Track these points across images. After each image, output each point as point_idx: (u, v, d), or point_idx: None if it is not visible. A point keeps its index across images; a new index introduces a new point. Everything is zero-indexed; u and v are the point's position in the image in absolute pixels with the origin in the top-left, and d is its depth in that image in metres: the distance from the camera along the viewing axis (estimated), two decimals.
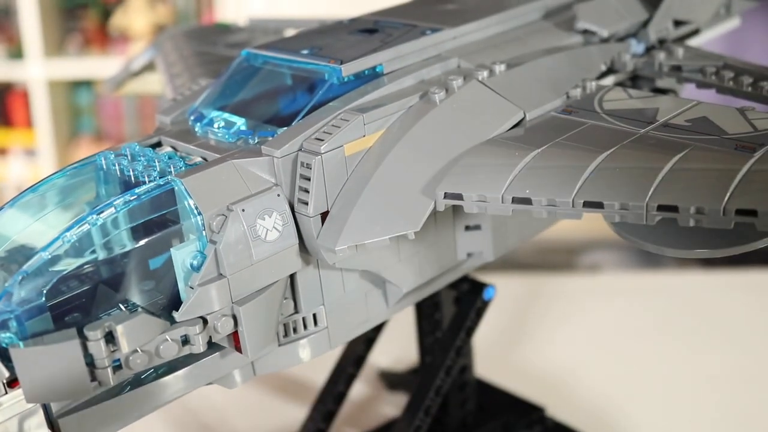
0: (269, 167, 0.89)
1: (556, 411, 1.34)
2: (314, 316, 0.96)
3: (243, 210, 0.86)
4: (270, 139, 0.90)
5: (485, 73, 0.98)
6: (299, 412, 1.34)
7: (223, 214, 0.85)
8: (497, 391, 1.36)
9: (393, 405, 1.45)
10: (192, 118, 0.99)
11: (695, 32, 1.18)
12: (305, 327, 0.96)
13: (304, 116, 0.92)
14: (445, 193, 0.87)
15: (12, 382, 0.79)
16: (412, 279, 1.01)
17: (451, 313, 1.19)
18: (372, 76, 0.97)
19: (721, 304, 1.72)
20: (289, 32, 1.29)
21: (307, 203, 0.88)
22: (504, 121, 0.95)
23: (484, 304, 1.16)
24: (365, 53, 0.97)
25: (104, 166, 0.92)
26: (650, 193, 0.80)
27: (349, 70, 0.95)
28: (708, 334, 1.61)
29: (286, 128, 0.91)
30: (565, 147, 0.89)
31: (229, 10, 3.96)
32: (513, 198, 0.85)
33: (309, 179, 0.88)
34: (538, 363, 1.54)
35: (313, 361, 1.32)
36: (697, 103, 0.95)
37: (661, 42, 1.13)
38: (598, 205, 0.82)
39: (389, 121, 0.93)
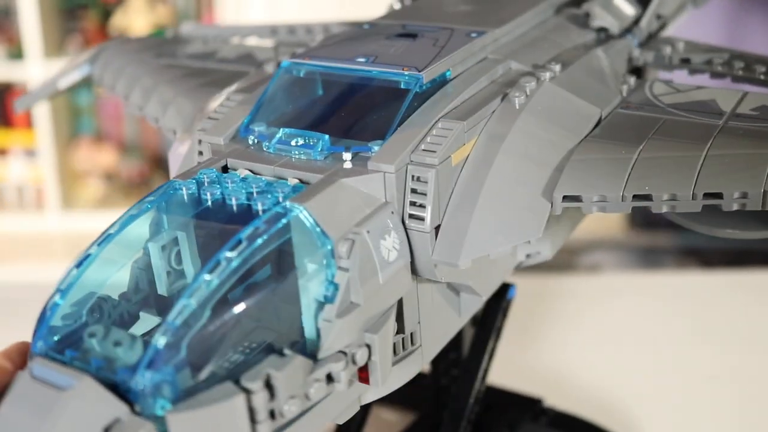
0: (380, 184, 0.85)
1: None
2: (411, 335, 0.92)
3: (368, 231, 0.81)
4: (367, 154, 0.86)
5: (548, 74, 0.98)
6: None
7: (350, 239, 0.80)
8: (499, 390, 1.37)
9: (392, 413, 1.44)
10: (252, 137, 0.93)
11: (664, 25, 1.24)
12: (404, 347, 0.91)
13: (396, 128, 0.89)
14: (564, 196, 0.87)
15: None
16: (490, 285, 1.00)
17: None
18: (442, 83, 0.95)
19: (721, 304, 1.71)
20: (242, 40, 1.29)
21: (422, 219, 0.85)
22: (589, 121, 0.96)
23: (508, 304, 1.17)
24: (434, 59, 0.95)
25: (185, 197, 0.84)
26: (766, 179, 0.82)
27: (429, 76, 0.93)
28: (707, 333, 1.61)
29: (381, 142, 0.87)
30: (664, 142, 0.91)
31: (229, 11, 3.96)
32: (633, 196, 0.85)
33: (424, 194, 0.85)
34: (537, 362, 1.54)
35: None
36: (745, 93, 0.99)
37: (651, 36, 1.18)
38: (717, 196, 0.83)
39: (480, 126, 0.91)
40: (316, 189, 0.81)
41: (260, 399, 0.71)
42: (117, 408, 0.67)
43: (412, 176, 0.85)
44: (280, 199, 0.81)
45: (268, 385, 0.72)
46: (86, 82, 1.44)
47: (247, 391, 0.71)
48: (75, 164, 4.35)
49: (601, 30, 1.14)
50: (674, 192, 0.84)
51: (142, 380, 0.68)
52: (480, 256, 0.85)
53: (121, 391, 0.68)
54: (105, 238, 0.80)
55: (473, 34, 1.01)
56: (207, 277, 0.73)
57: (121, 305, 0.78)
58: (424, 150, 0.86)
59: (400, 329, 0.89)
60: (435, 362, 1.21)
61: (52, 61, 4.10)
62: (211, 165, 0.89)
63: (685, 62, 1.13)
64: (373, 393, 0.87)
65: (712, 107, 0.97)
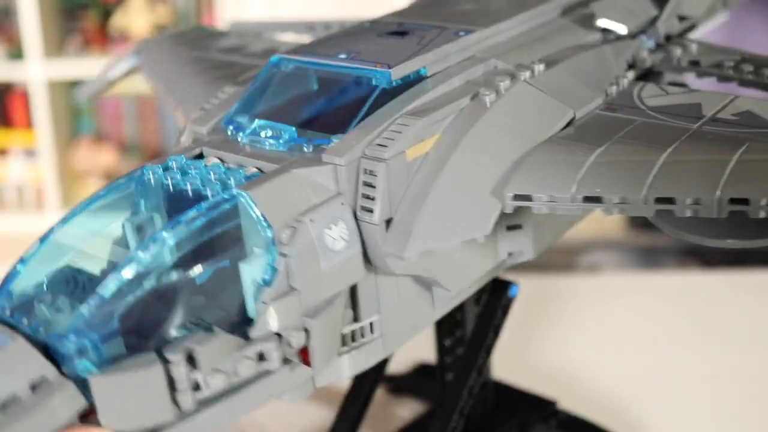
0: (331, 176, 0.87)
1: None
2: (371, 325, 0.94)
3: (311, 221, 0.84)
4: (326, 146, 0.89)
5: (527, 74, 0.98)
6: (326, 414, 1.36)
7: (293, 226, 0.83)
8: (509, 388, 1.37)
9: (404, 407, 1.46)
10: (231, 127, 0.97)
11: (691, 27, 1.22)
12: (362, 335, 0.93)
13: (358, 122, 0.91)
14: (515, 194, 0.87)
15: (86, 413, 0.76)
16: (459, 280, 1.01)
17: (474, 312, 1.19)
18: (417, 80, 0.96)
19: (721, 304, 1.72)
20: (278, 35, 1.31)
21: (371, 210, 0.87)
22: (557, 122, 0.96)
23: (509, 302, 1.17)
24: (409, 56, 0.96)
25: (152, 181, 0.89)
26: (721, 185, 0.81)
27: (398, 74, 0.94)
28: (708, 333, 1.61)
29: (341, 135, 0.90)
30: (627, 144, 0.91)
31: (229, 11, 3.95)
32: (584, 197, 0.85)
33: (374, 186, 0.87)
34: (537, 362, 1.54)
35: None
36: (735, 97, 0.98)
37: (668, 37, 1.16)
38: (669, 201, 0.83)
39: (444, 123, 0.93)
40: (265, 178, 0.85)
41: (179, 370, 0.75)
42: (45, 368, 0.73)
43: (364, 170, 0.87)
44: (232, 186, 0.83)
45: (191, 358, 0.76)
46: (133, 73, 1.53)
47: (167, 362, 0.75)
48: (75, 164, 4.36)
49: (606, 31, 1.14)
50: (625, 195, 0.84)
51: (68, 344, 0.74)
52: (425, 249, 0.87)
53: (52, 353, 0.74)
54: (70, 215, 0.86)
55: (461, 33, 1.02)
56: (140, 254, 0.78)
57: (80, 277, 0.83)
58: (377, 144, 0.87)
59: (357, 318, 0.92)
60: (441, 357, 1.23)
61: (52, 61, 4.10)
62: (185, 152, 0.93)
63: (694, 65, 1.12)
64: (326, 376, 0.91)
65: (694, 111, 0.96)
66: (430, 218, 0.87)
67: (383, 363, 1.26)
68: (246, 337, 0.82)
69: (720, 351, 1.56)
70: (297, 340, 0.84)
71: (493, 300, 1.17)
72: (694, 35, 1.24)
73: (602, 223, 4.17)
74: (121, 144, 4.38)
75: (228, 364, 0.80)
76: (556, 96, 0.98)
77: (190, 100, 1.18)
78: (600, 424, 1.32)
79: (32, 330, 0.77)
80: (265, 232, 0.82)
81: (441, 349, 1.23)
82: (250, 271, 0.82)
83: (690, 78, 1.17)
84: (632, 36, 1.15)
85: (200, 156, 0.95)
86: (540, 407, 1.33)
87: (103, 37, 4.36)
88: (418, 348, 1.29)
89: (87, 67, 4.21)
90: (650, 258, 3.93)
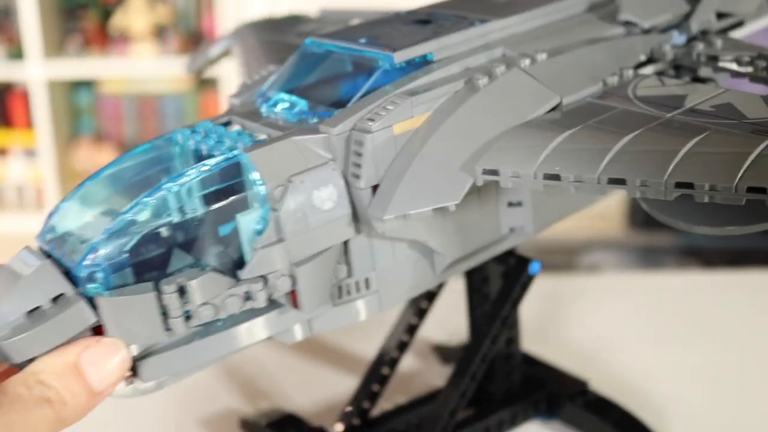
0: (326, 144, 0.99)
1: None
2: (367, 280, 1.05)
3: (302, 182, 0.96)
4: (326, 119, 1.00)
5: (527, 61, 1.07)
6: (351, 382, 1.41)
7: (284, 185, 0.95)
8: (542, 364, 1.43)
9: (443, 377, 1.49)
10: (259, 100, 1.09)
11: (739, 24, 1.25)
12: (358, 290, 1.05)
13: (358, 99, 1.02)
14: (484, 169, 0.96)
15: (97, 328, 0.90)
16: (456, 249, 1.11)
17: (498, 286, 1.27)
18: (422, 63, 1.06)
19: (722, 304, 1.72)
20: (356, 22, 1.37)
21: (359, 177, 0.98)
22: (540, 106, 1.03)
23: (530, 278, 1.24)
24: (416, 42, 1.06)
25: (180, 141, 1.03)
26: (669, 171, 0.87)
27: (400, 57, 1.05)
28: (708, 334, 1.61)
29: (341, 109, 1.01)
30: (595, 129, 0.98)
31: (230, 11, 3.96)
32: (544, 174, 0.93)
33: (361, 155, 0.98)
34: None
35: (365, 335, 1.45)
36: (725, 90, 1.03)
37: (704, 33, 1.20)
38: (621, 182, 0.89)
39: (436, 104, 1.02)
40: (267, 142, 0.98)
41: (171, 299, 0.90)
42: (64, 286, 0.88)
43: (354, 140, 0.98)
44: (239, 149, 0.97)
45: (182, 290, 0.90)
46: (228, 53, 1.66)
47: (159, 291, 0.89)
48: (75, 164, 4.37)
49: (629, 24, 1.19)
50: (580, 174, 0.92)
51: (83, 269, 0.88)
52: (404, 214, 0.97)
53: (71, 276, 0.89)
54: (109, 165, 1.00)
55: (476, 23, 1.11)
56: (146, 199, 0.91)
57: (105, 216, 0.96)
58: (367, 119, 0.98)
59: (350, 273, 1.04)
60: (471, 327, 1.33)
61: (52, 61, 4.11)
62: (215, 120, 1.07)
63: (712, 59, 1.15)
64: (324, 322, 1.04)
65: (677, 102, 1.01)
66: (409, 186, 0.97)
67: (412, 328, 1.34)
68: (237, 279, 0.94)
69: (720, 351, 1.56)
70: (282, 284, 0.96)
71: (513, 275, 1.24)
72: (743, 33, 1.26)
73: (602, 224, 4.17)
74: (121, 144, 4.38)
75: (218, 300, 0.93)
76: (546, 82, 1.05)
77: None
78: (626, 408, 1.35)
79: (60, 257, 0.91)
80: (260, 189, 0.95)
81: (471, 321, 1.33)
82: (245, 222, 0.95)
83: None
84: (660, 30, 1.19)
85: (229, 123, 1.08)
86: (570, 385, 1.39)
87: (103, 37, 4.36)
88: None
89: (87, 67, 4.21)
90: (650, 258, 3.94)
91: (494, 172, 0.96)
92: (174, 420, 1.44)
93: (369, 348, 1.41)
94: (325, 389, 1.51)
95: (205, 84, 4.25)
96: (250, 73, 1.32)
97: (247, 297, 0.95)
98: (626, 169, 0.90)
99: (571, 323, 1.67)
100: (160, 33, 4.22)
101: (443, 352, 1.57)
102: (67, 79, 4.22)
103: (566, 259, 3.79)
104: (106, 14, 4.25)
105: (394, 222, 0.98)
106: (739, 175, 0.83)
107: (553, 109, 1.04)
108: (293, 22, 1.60)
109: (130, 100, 4.33)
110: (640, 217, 4.29)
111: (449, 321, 1.49)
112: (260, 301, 0.96)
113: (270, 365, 1.56)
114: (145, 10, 4.17)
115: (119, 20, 4.20)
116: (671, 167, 0.87)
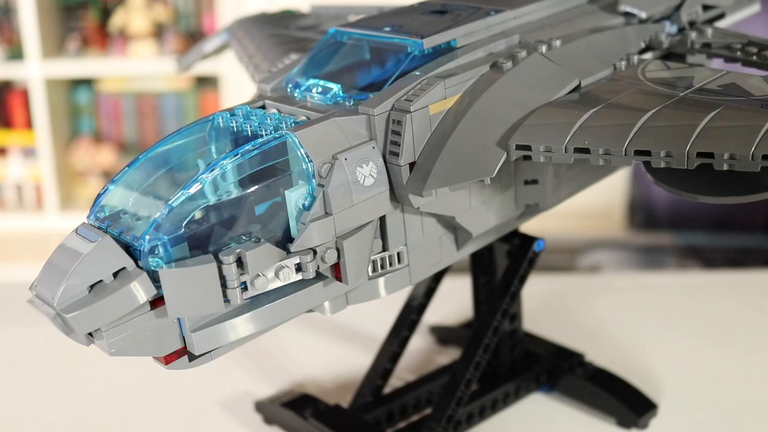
0: (366, 124, 1.05)
1: None
2: (398, 254, 1.12)
3: (346, 159, 1.02)
4: (364, 101, 1.07)
5: (545, 47, 1.15)
6: (364, 361, 1.46)
7: (329, 163, 1.01)
8: (541, 339, 1.51)
9: (445, 355, 1.58)
10: (290, 85, 1.15)
11: (721, 16, 1.34)
12: (390, 264, 1.12)
13: (393, 82, 1.09)
14: (516, 144, 1.02)
15: (156, 301, 0.95)
16: (480, 224, 1.17)
17: (504, 265, 1.34)
18: (447, 50, 1.14)
19: (722, 305, 1.73)
20: (351, 17, 1.45)
21: (397, 154, 1.05)
22: (562, 87, 1.11)
23: (535, 255, 1.31)
24: (441, 30, 1.14)
25: (221, 125, 1.08)
26: (691, 142, 0.94)
27: (429, 43, 1.12)
28: (708, 334, 1.62)
29: (378, 92, 1.08)
30: (616, 107, 1.05)
31: (229, 10, 3.97)
32: (575, 148, 1.00)
33: (399, 134, 1.04)
34: None
35: (376, 316, 1.51)
36: (726, 72, 1.11)
37: (691, 24, 1.29)
38: (646, 153, 0.97)
39: (465, 86, 1.10)
40: (310, 123, 1.04)
41: (230, 269, 0.95)
42: (125, 260, 0.93)
43: (393, 120, 1.05)
44: (283, 128, 1.03)
45: (240, 262, 0.95)
46: (225, 48, 1.71)
47: (220, 261, 0.94)
48: (74, 164, 4.37)
49: (628, 15, 1.27)
50: (608, 147, 0.98)
51: (144, 244, 0.93)
52: (440, 188, 1.04)
53: (132, 250, 0.94)
54: (153, 147, 1.05)
55: (491, 12, 1.19)
56: (204, 176, 0.96)
57: (157, 195, 1.01)
58: (405, 99, 1.05)
59: (385, 248, 1.11)
60: (476, 302, 1.39)
61: (52, 61, 4.11)
62: (250, 104, 1.14)
63: (706, 47, 1.24)
64: (359, 295, 1.11)
65: (685, 82, 1.09)
66: (446, 163, 1.04)
67: (421, 307, 1.40)
68: (287, 251, 1.00)
69: (720, 351, 1.57)
70: (329, 256, 1.01)
71: (520, 252, 1.31)
72: (723, 24, 1.34)
73: (603, 222, 4.18)
74: (121, 144, 4.39)
75: (271, 271, 0.99)
76: (565, 66, 1.13)
77: (265, 67, 1.35)
78: (625, 378, 1.42)
79: (117, 233, 0.95)
80: (307, 166, 1.00)
81: (476, 299, 1.38)
82: (294, 198, 1.00)
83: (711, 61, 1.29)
84: (654, 21, 1.28)
85: (262, 107, 1.14)
86: (568, 358, 1.45)
87: (102, 36, 4.37)
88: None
89: (86, 66, 4.22)
90: (651, 258, 3.95)
91: (527, 147, 1.02)
92: (191, 402, 1.48)
93: (379, 328, 1.45)
94: (338, 369, 1.55)
95: (204, 83, 4.27)
96: (257, 66, 1.38)
97: (298, 269, 1.01)
98: (650, 143, 0.97)
99: (571, 322, 1.69)
100: (159, 32, 4.23)
101: (441, 334, 1.64)
102: (66, 78, 4.23)
103: (567, 258, 3.81)
104: (106, 13, 4.26)
105: (430, 197, 1.06)
106: (755, 144, 0.91)
107: (573, 90, 1.11)
108: (288, 17, 1.66)
109: (130, 99, 4.34)
110: (640, 218, 4.31)
111: (444, 306, 1.54)
112: (310, 272, 1.01)
113: (286, 345, 1.60)
114: (144, 10, 4.18)
115: (119, 19, 4.21)
116: (692, 139, 0.95)
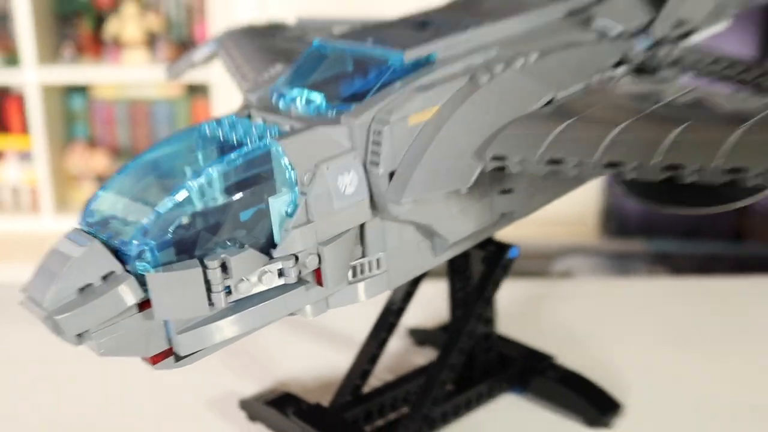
0: (347, 134, 1.05)
1: None
2: (377, 260, 1.12)
3: (327, 168, 1.02)
4: (346, 112, 1.07)
5: (522, 61, 1.15)
6: (344, 361, 1.46)
7: (312, 171, 1.01)
8: (514, 342, 1.51)
9: (422, 356, 1.59)
10: (275, 95, 1.15)
11: (691, 32, 1.34)
12: (370, 269, 1.12)
13: (374, 93, 1.09)
14: (492, 155, 1.04)
15: (143, 304, 0.95)
16: (456, 232, 1.17)
17: (480, 270, 1.34)
18: (427, 63, 1.14)
19: (690, 311, 1.75)
20: (335, 29, 1.44)
21: (377, 164, 1.05)
22: (537, 100, 1.11)
23: (509, 261, 1.32)
24: (421, 43, 1.14)
25: (208, 133, 1.08)
26: (659, 155, 0.95)
27: (410, 56, 1.12)
28: (675, 338, 1.63)
29: (359, 103, 1.08)
30: (588, 120, 1.05)
31: (219, 21, 3.97)
32: (548, 159, 1.01)
33: (380, 144, 1.05)
34: None
35: (356, 319, 1.49)
36: (694, 87, 1.11)
37: (663, 40, 1.29)
38: (617, 165, 0.97)
39: (444, 98, 1.10)
40: (294, 132, 1.04)
41: (214, 274, 0.95)
42: (113, 264, 0.93)
43: (374, 130, 1.05)
44: (267, 137, 1.03)
45: (224, 267, 0.95)
46: (213, 57, 1.70)
47: (204, 266, 0.94)
48: (69, 168, 4.36)
49: (602, 30, 1.27)
50: (581, 159, 0.99)
51: (131, 248, 0.93)
52: (419, 197, 1.05)
53: (120, 255, 0.94)
54: (142, 155, 1.05)
55: (471, 26, 1.19)
56: (190, 183, 0.96)
57: (145, 201, 1.01)
58: (385, 111, 1.06)
59: (364, 254, 1.11)
60: (452, 306, 1.39)
61: (47, 67, 4.11)
62: (236, 113, 1.14)
63: (676, 63, 1.26)
64: (339, 299, 1.10)
65: (655, 97, 1.09)
66: (424, 172, 1.05)
67: (399, 310, 1.41)
68: (270, 256, 1.00)
69: (685, 355, 1.59)
70: (311, 262, 1.02)
71: (495, 259, 1.32)
72: (694, 40, 1.35)
73: (576, 231, 4.20)
74: (114, 149, 4.38)
75: (254, 276, 1.00)
76: (540, 80, 1.14)
77: (252, 77, 1.35)
78: (593, 380, 1.43)
79: (106, 237, 0.95)
80: (290, 175, 1.01)
81: (453, 303, 1.39)
82: (277, 205, 1.00)
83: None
84: (627, 36, 1.28)
85: (248, 117, 1.14)
86: (539, 360, 1.47)
87: (96, 44, 4.36)
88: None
89: (81, 72, 4.21)
90: (622, 264, 3.96)
91: (502, 158, 1.03)
92: (177, 402, 1.48)
93: (358, 330, 1.46)
94: (319, 369, 1.56)
95: (195, 90, 4.26)
96: (244, 75, 1.38)
97: (280, 273, 1.01)
98: (621, 155, 0.98)
99: (543, 326, 1.70)
100: (151, 41, 4.23)
101: (418, 335, 1.65)
102: (61, 85, 4.22)
103: (541, 264, 3.82)
104: (100, 21, 4.25)
105: (408, 206, 1.06)
106: (721, 156, 0.92)
107: (548, 103, 1.12)
108: (274, 29, 1.66)
109: (123, 106, 4.33)
110: (612, 225, 4.33)
111: (421, 309, 1.54)
112: (292, 277, 1.02)
113: (269, 345, 1.61)
114: (137, 18, 4.18)
115: (112, 28, 4.21)
116: (661, 152, 0.95)
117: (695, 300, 1.82)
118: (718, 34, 1.42)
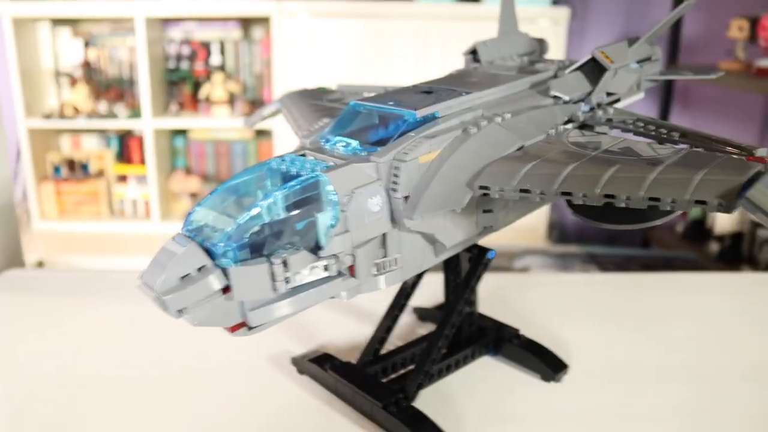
0: (375, 169, 1.04)
1: None
2: (395, 259, 1.10)
3: (361, 193, 1.01)
4: (374, 153, 1.06)
5: (499, 119, 1.14)
6: (367, 329, 1.45)
7: (349, 195, 1.00)
8: (489, 319, 1.48)
9: (424, 328, 1.56)
10: (323, 140, 1.14)
11: (618, 100, 1.33)
12: (389, 266, 1.09)
13: (394, 140, 1.08)
14: (479, 185, 1.03)
15: (225, 289, 0.94)
16: (451, 239, 1.16)
17: (467, 267, 1.32)
18: (432, 119, 1.12)
19: (612, 298, 1.70)
20: (366, 93, 1.42)
21: (396, 190, 1.04)
22: (511, 147, 1.10)
23: (488, 261, 1.31)
24: (428, 105, 1.13)
25: (274, 167, 1.07)
26: (600, 186, 0.96)
27: (420, 114, 1.11)
28: (604, 319, 1.59)
29: (383, 147, 1.07)
30: (548, 161, 1.05)
31: (281, 86, 3.97)
32: (519, 189, 1.01)
33: (398, 176, 1.04)
34: None
35: (378, 301, 1.44)
36: (623, 139, 1.12)
37: (599, 105, 1.28)
38: (569, 194, 0.97)
39: (444, 144, 1.09)
40: (337, 167, 1.03)
41: (278, 268, 0.94)
42: (205, 260, 0.92)
43: (394, 166, 1.04)
44: (317, 171, 1.02)
45: (285, 263, 0.95)
46: (277, 113, 1.65)
47: (271, 263, 0.94)
48: (172, 188, 4.35)
49: (556, 97, 1.26)
50: (543, 189, 0.99)
51: (218, 248, 0.93)
52: (425, 214, 1.04)
53: (210, 253, 0.93)
54: (227, 182, 1.04)
55: (463, 93, 1.18)
56: (262, 202, 0.96)
57: (229, 214, 1.01)
58: (402, 153, 1.05)
59: (385, 254, 1.09)
60: (447, 292, 1.35)
61: (159, 118, 4.11)
62: (295, 152, 1.13)
63: (608, 121, 1.25)
64: (366, 287, 1.08)
65: (595, 145, 1.09)
66: (430, 197, 1.04)
67: (408, 294, 1.38)
68: (318, 256, 0.99)
69: (613, 329, 1.55)
70: (347, 260, 1.01)
71: (478, 259, 1.31)
72: (620, 105, 1.34)
73: (531, 236, 4.16)
74: (204, 175, 4.38)
75: (306, 270, 0.99)
76: (513, 132, 1.12)
77: (305, 127, 1.33)
78: (548, 347, 1.40)
79: (200, 240, 0.94)
80: (333, 198, 1.00)
81: (447, 290, 1.35)
82: (323, 219, 0.99)
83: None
84: (573, 102, 1.27)
85: (303, 155, 1.13)
86: (507, 332, 1.43)
87: (194, 102, 4.37)
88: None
89: (182, 121, 4.21)
90: (564, 262, 3.94)
91: (486, 188, 1.03)
92: (243, 358, 1.46)
93: (379, 309, 1.43)
94: (350, 336, 1.52)
95: (262, 134, 4.26)
96: (300, 125, 1.36)
97: (325, 268, 1.00)
98: (572, 186, 0.97)
99: (509, 307, 1.67)
100: (232, 100, 4.23)
101: (421, 313, 1.61)
102: (168, 129, 4.22)
103: (506, 261, 3.80)
104: (197, 86, 4.26)
105: (418, 220, 1.05)
106: (644, 189, 0.93)
107: (519, 149, 1.11)
108: (321, 92, 1.64)
109: (211, 145, 4.33)
110: (556, 234, 4.30)
111: (423, 293, 1.50)
112: (333, 271, 1.00)
113: (314, 320, 1.57)
114: (222, 84, 4.18)
115: (205, 91, 4.21)
116: (601, 184, 0.95)
117: (617, 289, 1.79)
118: (635, 101, 1.40)
